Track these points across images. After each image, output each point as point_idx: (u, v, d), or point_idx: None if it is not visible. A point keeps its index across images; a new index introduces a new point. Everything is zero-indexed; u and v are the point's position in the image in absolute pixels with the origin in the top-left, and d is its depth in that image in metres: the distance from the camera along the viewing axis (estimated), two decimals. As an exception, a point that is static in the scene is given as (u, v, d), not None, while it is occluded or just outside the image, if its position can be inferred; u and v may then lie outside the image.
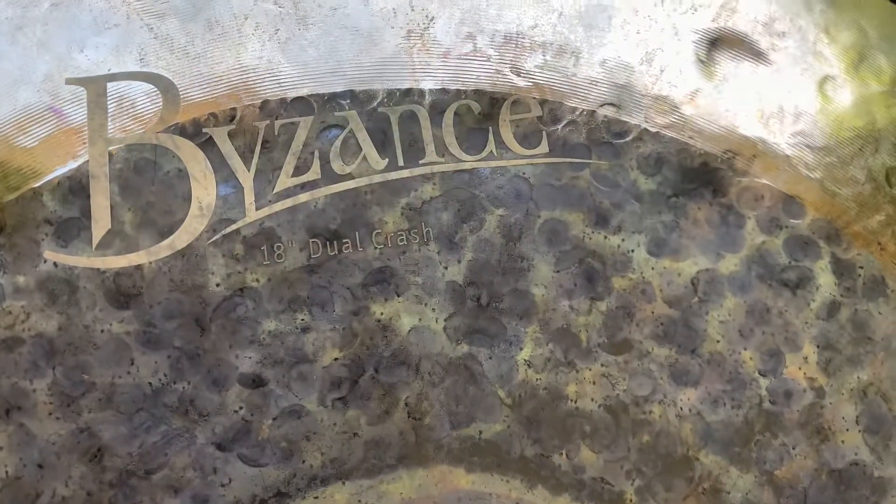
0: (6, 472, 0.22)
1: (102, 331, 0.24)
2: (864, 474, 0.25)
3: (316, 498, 0.23)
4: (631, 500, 0.24)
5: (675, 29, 0.28)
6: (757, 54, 0.28)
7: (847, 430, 0.25)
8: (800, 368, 0.26)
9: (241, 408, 0.24)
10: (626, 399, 0.25)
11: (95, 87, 0.26)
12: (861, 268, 0.27)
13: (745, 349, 0.26)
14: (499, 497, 0.24)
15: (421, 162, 0.26)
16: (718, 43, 0.28)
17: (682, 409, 0.25)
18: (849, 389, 0.26)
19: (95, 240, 0.25)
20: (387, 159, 0.26)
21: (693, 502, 0.24)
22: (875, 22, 0.29)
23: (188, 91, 0.26)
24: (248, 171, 0.26)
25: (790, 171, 0.27)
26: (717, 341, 0.26)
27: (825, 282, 0.26)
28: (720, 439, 0.25)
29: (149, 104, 0.26)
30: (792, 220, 0.27)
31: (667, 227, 0.26)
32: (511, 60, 0.27)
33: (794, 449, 0.25)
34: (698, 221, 0.27)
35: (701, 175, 0.27)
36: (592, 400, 0.25)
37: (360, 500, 0.23)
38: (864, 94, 0.28)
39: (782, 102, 0.28)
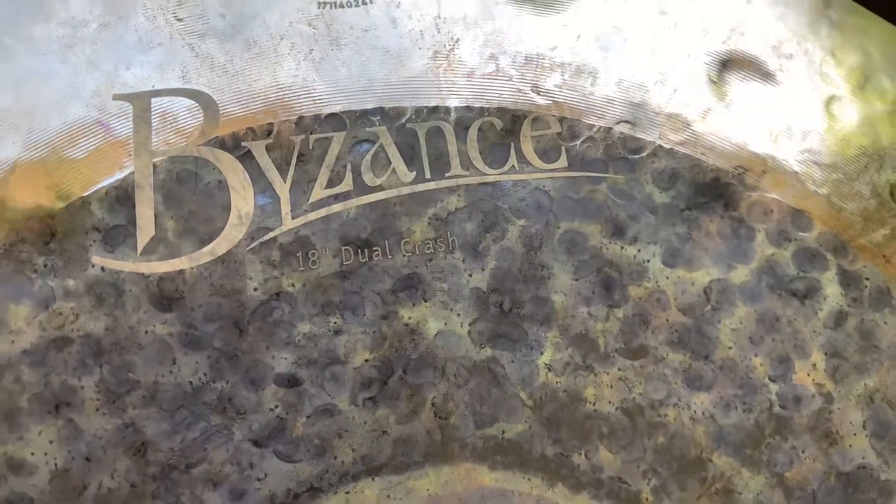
0: (56, 464, 0.23)
1: (146, 332, 0.24)
2: (871, 477, 0.25)
3: (347, 493, 0.24)
4: (647, 500, 0.24)
5: (688, 51, 0.29)
6: (766, 75, 0.29)
7: (854, 434, 0.25)
8: (808, 375, 0.26)
9: (276, 406, 0.24)
10: (642, 402, 0.25)
11: (140, 102, 0.26)
12: (867, 279, 0.27)
13: (756, 356, 0.26)
14: (521, 494, 0.24)
15: (447, 175, 0.27)
16: (729, 64, 0.29)
17: (695, 412, 0.25)
18: (856, 396, 0.26)
19: (140, 246, 0.25)
20: (414, 172, 0.27)
21: (706, 502, 0.25)
22: (880, 45, 0.29)
23: (227, 107, 0.27)
24: (285, 182, 0.26)
25: (798, 186, 0.28)
26: (729, 348, 0.26)
27: (832, 292, 0.27)
28: (732, 442, 0.25)
29: (190, 119, 0.27)
30: (800, 233, 0.27)
31: (681, 239, 0.27)
32: (532, 80, 0.28)
33: (803, 452, 0.25)
34: (711, 233, 0.27)
35: (713, 189, 0.28)
36: (610, 402, 0.25)
37: (388, 496, 0.24)
38: (869, 113, 0.29)
39: (790, 121, 0.28)
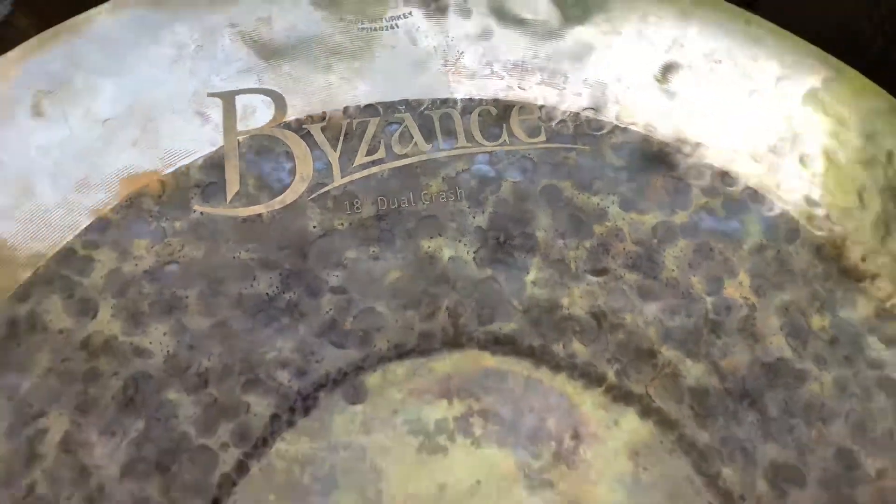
0: (168, 350, 0.28)
1: (234, 257, 0.29)
2: (787, 367, 0.29)
3: (384, 371, 0.28)
4: (612, 379, 0.28)
5: (638, 57, 0.34)
6: (700, 74, 0.34)
7: (774, 335, 0.29)
8: (736, 290, 0.30)
9: (330, 310, 0.29)
10: (605, 309, 0.29)
11: (228, 98, 0.32)
12: (783, 222, 0.31)
13: (694, 276, 0.30)
14: (513, 374, 0.28)
15: (455, 146, 0.32)
16: (671, 67, 0.34)
17: (647, 317, 0.29)
18: (774, 306, 0.30)
19: (229, 197, 0.30)
20: (431, 144, 0.32)
21: (658, 383, 0.28)
22: (793, 53, 0.34)
23: (292, 101, 0.32)
24: (335, 152, 0.31)
25: (727, 156, 0.32)
26: (673, 270, 0.30)
27: (754, 230, 0.31)
28: (677, 339, 0.29)
29: (265, 109, 0.32)
30: (727, 188, 0.32)
31: (633, 191, 0.32)
32: (518, 79, 0.33)
33: (734, 347, 0.29)
34: (657, 188, 0.32)
35: (658, 157, 0.32)
36: (581, 308, 0.29)
37: (415, 373, 0.28)
38: (784, 103, 0.33)
39: (720, 108, 0.33)
